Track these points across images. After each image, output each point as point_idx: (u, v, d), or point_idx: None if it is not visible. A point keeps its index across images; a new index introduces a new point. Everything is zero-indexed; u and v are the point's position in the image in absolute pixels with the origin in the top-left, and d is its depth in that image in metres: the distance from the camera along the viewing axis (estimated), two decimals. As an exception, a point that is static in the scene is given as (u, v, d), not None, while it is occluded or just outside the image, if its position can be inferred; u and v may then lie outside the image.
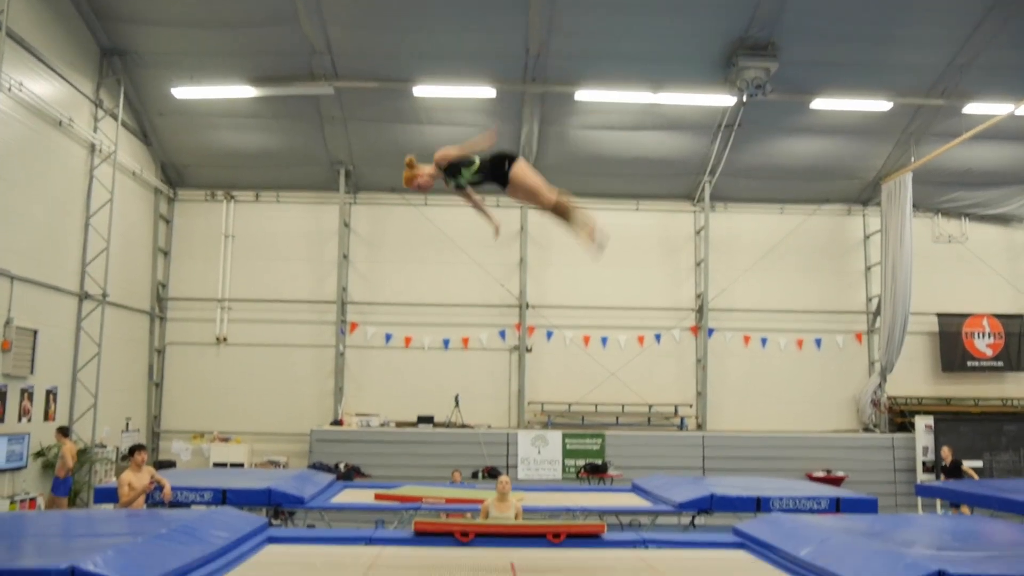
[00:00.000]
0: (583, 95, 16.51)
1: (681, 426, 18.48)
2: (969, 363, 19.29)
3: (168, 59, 15.94)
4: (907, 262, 17.63)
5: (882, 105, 16.81)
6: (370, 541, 7.19)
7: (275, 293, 18.76)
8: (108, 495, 9.87)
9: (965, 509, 12.77)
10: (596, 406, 18.42)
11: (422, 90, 16.26)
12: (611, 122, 17.47)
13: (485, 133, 6.48)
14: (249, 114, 17.27)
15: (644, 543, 7.29)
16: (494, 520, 8.55)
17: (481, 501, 9.35)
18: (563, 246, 19.16)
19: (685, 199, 19.56)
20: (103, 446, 15.50)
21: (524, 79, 16.32)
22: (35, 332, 13.53)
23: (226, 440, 18.00)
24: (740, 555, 7.05)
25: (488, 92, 16.34)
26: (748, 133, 17.49)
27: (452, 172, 6.40)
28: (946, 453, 15.45)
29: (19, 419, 13.21)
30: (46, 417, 14.01)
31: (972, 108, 16.62)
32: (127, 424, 17.15)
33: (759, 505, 9.86)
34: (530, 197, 6.37)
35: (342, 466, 16.13)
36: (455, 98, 16.77)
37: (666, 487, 11.04)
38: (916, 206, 18.14)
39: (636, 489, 12.13)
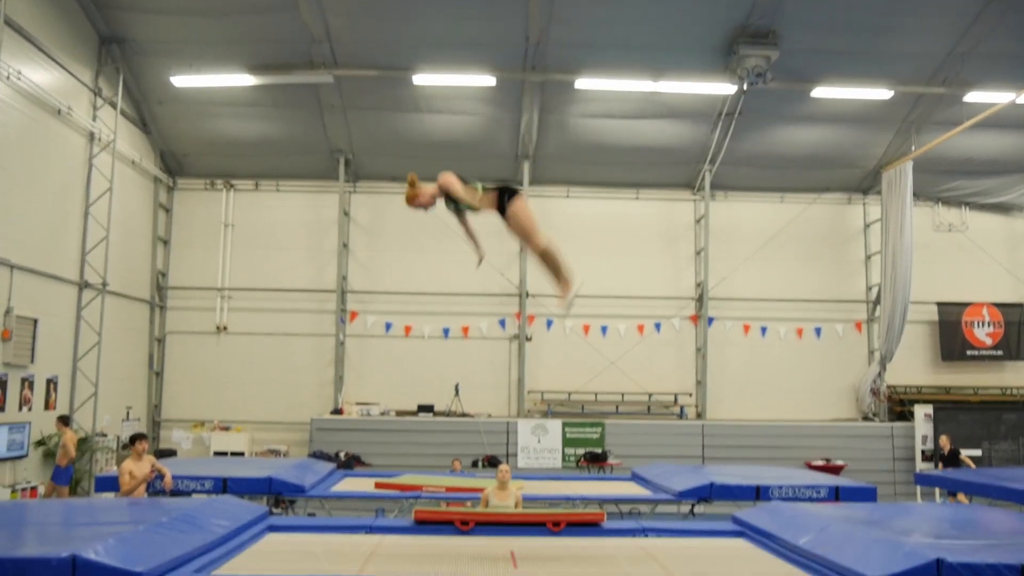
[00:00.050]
0: (583, 83, 16.46)
1: (681, 415, 18.51)
2: (969, 352, 19.31)
3: (167, 47, 15.89)
4: (907, 251, 17.62)
5: (883, 93, 16.76)
6: (370, 530, 7.21)
7: (275, 282, 18.76)
8: (109, 484, 9.89)
9: (962, 497, 12.82)
10: (596, 395, 18.45)
11: (422, 78, 16.22)
12: (611, 110, 17.43)
13: (478, 248, 6.53)
14: (248, 103, 17.23)
15: (644, 531, 7.31)
16: (494, 509, 8.57)
17: (481, 490, 9.37)
18: (564, 235, 19.16)
19: (685, 188, 19.53)
20: (104, 435, 15.54)
21: (524, 67, 16.28)
22: (35, 321, 13.54)
23: (226, 429, 18.04)
24: (739, 543, 7.07)
25: (488, 80, 16.30)
26: (748, 121, 17.45)
27: (453, 198, 6.42)
28: (944, 442, 15.48)
29: (20, 408, 13.24)
30: (47, 406, 14.03)
31: (973, 96, 16.58)
32: (127, 413, 17.18)
33: (758, 494, 9.87)
34: (523, 235, 6.43)
35: (342, 455, 16.16)
36: (455, 86, 16.73)
37: (666, 476, 11.05)
38: (916, 195, 18.12)
39: (636, 478, 12.15)
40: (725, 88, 16.46)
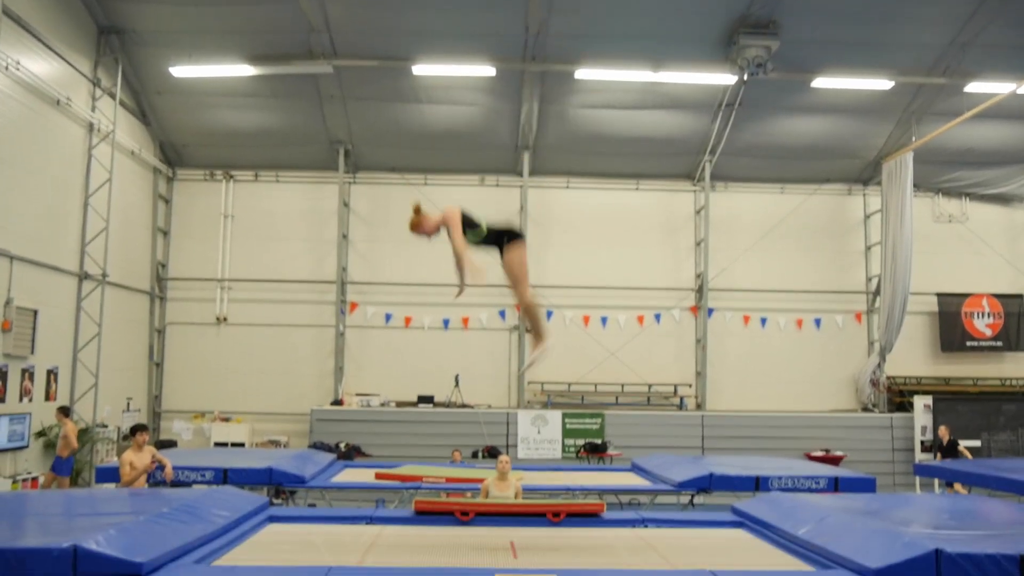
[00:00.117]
0: (583, 74, 16.43)
1: (680, 406, 18.54)
2: (968, 343, 19.32)
3: (166, 37, 15.85)
4: (907, 242, 17.61)
5: (883, 84, 16.73)
6: (371, 520, 7.22)
7: (275, 273, 18.76)
8: (110, 475, 9.90)
9: (959, 488, 12.84)
10: (596, 386, 18.47)
11: (421, 69, 16.19)
12: (611, 101, 17.40)
13: (463, 278, 6.48)
14: (248, 93, 17.20)
15: (643, 522, 7.32)
16: (494, 499, 8.59)
17: (481, 480, 9.39)
18: (563, 226, 19.19)
19: (685, 178, 19.51)
20: (104, 426, 15.56)
21: (524, 58, 16.24)
22: (35, 312, 13.54)
23: (227, 420, 18.06)
24: (739, 534, 7.08)
25: (488, 71, 16.27)
26: (749, 112, 17.42)
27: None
28: (943, 432, 15.51)
29: (20, 399, 13.25)
30: (47, 397, 14.05)
31: (974, 87, 16.55)
32: (128, 404, 17.20)
33: (758, 484, 9.88)
34: (513, 280, 6.46)
35: (342, 446, 16.19)
36: (454, 76, 16.70)
37: (665, 466, 11.07)
38: (917, 186, 18.11)
39: (635, 468, 12.17)
40: (725, 78, 16.42)
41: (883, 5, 15.28)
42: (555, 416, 17.59)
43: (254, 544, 6.29)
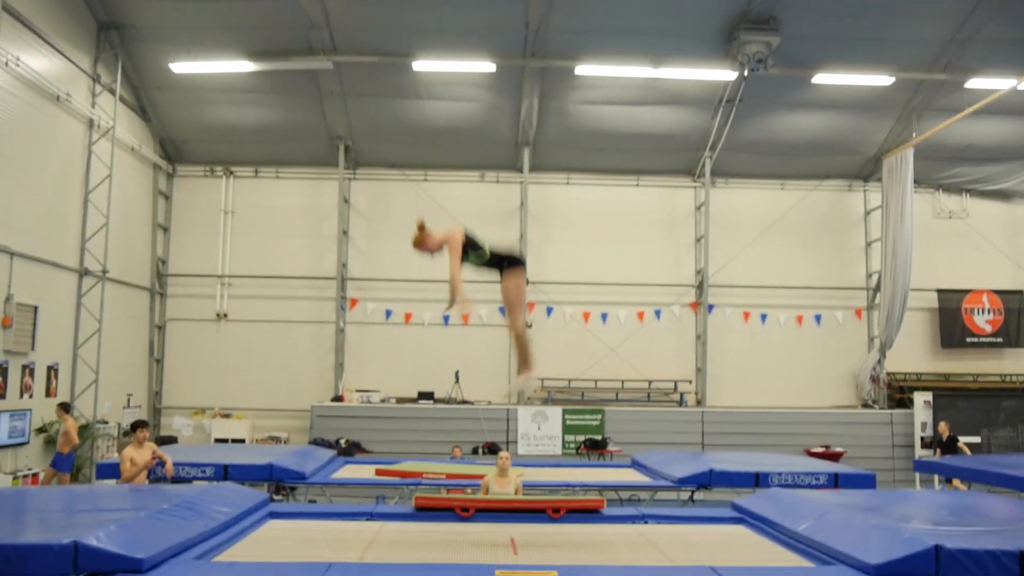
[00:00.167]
0: (583, 70, 16.40)
1: (680, 402, 18.54)
2: (968, 339, 19.32)
3: (166, 33, 15.83)
4: (907, 238, 17.60)
5: (884, 80, 16.70)
6: (371, 516, 7.23)
7: (275, 269, 18.76)
8: (110, 471, 9.92)
9: (958, 484, 12.85)
10: (596, 382, 18.47)
11: (421, 64, 16.16)
12: (611, 97, 17.38)
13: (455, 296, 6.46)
14: (247, 89, 17.18)
15: (643, 518, 7.33)
16: (494, 495, 8.60)
17: (481, 477, 9.40)
18: (563, 222, 19.19)
19: (685, 174, 19.50)
20: (105, 422, 15.57)
21: (524, 53, 16.22)
22: (35, 308, 13.54)
23: (227, 416, 18.08)
24: (739, 530, 7.09)
25: (488, 67, 16.24)
26: (749, 108, 17.40)
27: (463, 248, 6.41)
28: (943, 428, 15.51)
29: (20, 395, 13.26)
30: (47, 393, 14.05)
31: (974, 83, 16.52)
32: (128, 400, 17.21)
33: (758, 480, 9.90)
34: (509, 305, 6.50)
35: (343, 442, 16.18)
36: (454, 72, 16.67)
37: (665, 462, 11.08)
38: (917, 182, 18.08)
39: (635, 465, 12.18)
40: (726, 74, 16.40)
41: (883, 1, 15.27)
42: (555, 412, 17.60)
43: (254, 540, 6.30)
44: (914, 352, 19.33)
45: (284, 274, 18.74)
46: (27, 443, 13.26)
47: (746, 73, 15.95)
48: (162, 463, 9.46)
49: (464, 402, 17.62)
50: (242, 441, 17.41)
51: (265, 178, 19.14)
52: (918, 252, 17.90)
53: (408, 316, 18.63)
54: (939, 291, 19.28)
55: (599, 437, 17.17)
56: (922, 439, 17.49)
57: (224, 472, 9.76)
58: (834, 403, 18.97)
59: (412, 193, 18.90)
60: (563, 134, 18.25)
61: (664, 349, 19.09)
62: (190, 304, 18.75)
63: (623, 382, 18.53)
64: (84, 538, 4.70)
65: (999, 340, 19.33)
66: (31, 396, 13.53)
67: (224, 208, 18.96)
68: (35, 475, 13.16)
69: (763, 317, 19.10)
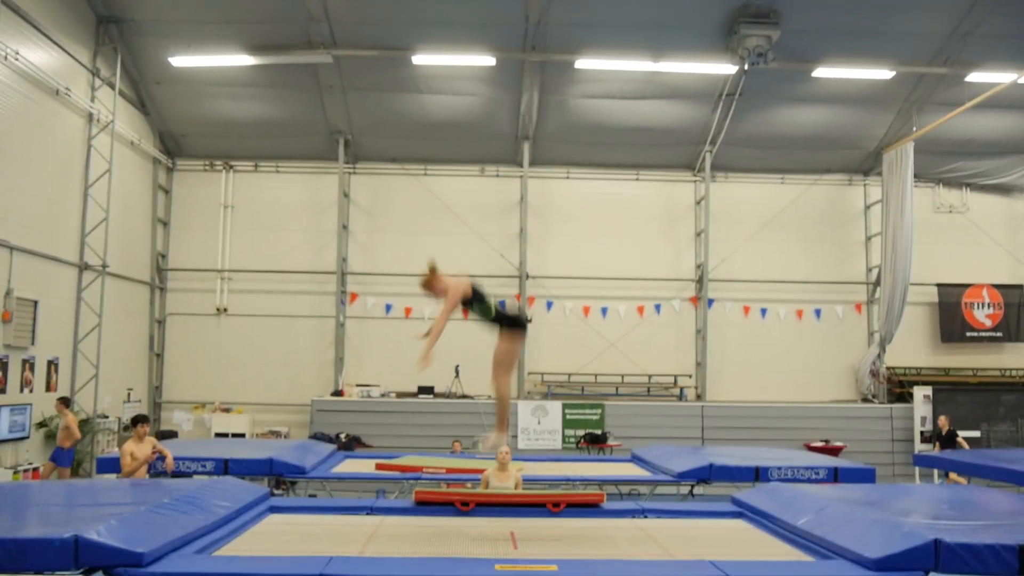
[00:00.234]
0: (583, 63, 16.39)
1: (680, 396, 18.55)
2: (968, 334, 19.31)
3: (165, 27, 15.80)
4: (907, 232, 17.60)
5: (884, 74, 16.69)
6: (371, 510, 7.24)
7: (275, 264, 18.75)
8: (110, 465, 9.92)
9: (957, 478, 12.86)
10: (596, 376, 18.48)
11: (421, 58, 16.15)
12: (611, 91, 17.35)
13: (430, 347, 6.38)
14: (247, 83, 17.16)
15: (643, 512, 7.34)
16: (494, 490, 8.61)
17: (481, 471, 9.40)
18: (563, 217, 19.18)
19: (686, 169, 19.49)
20: (105, 416, 15.59)
21: (524, 47, 16.20)
22: (35, 303, 13.55)
23: (227, 411, 18.09)
24: (738, 524, 7.10)
25: (488, 60, 16.23)
26: (749, 102, 17.39)
27: (466, 301, 6.39)
28: (943, 422, 15.52)
29: (21, 390, 13.27)
30: (48, 388, 14.06)
31: (975, 77, 16.50)
32: (128, 395, 17.22)
33: (757, 475, 9.90)
34: (498, 362, 6.45)
35: (343, 436, 16.21)
36: (454, 66, 16.65)
37: (665, 457, 11.09)
38: (917, 176, 18.08)
39: (635, 459, 12.19)
40: (726, 68, 16.38)
41: (884, -5, 15.26)
42: (555, 407, 17.61)
43: (255, 534, 6.31)
44: (914, 346, 19.34)
45: (284, 268, 18.74)
46: (27, 437, 13.27)
47: (746, 67, 15.92)
48: (162, 458, 9.46)
49: (464, 396, 17.63)
50: (242, 436, 17.42)
51: (265, 172, 19.12)
52: (918, 246, 17.90)
53: (408, 310, 18.62)
54: (939, 285, 19.27)
55: (599, 431, 17.18)
56: (922, 433, 17.51)
57: (224, 467, 9.77)
58: (834, 397, 18.99)
59: (412, 187, 18.91)
60: (563, 128, 18.23)
61: (664, 343, 19.10)
62: (190, 299, 18.74)
63: (623, 376, 18.53)
64: (85, 532, 4.70)
65: (999, 334, 19.33)
66: (31, 391, 13.54)
67: (224, 202, 18.95)
68: (35, 469, 13.18)
69: (763, 311, 19.11)
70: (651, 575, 5.15)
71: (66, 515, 5.52)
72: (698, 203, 19.37)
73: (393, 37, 15.97)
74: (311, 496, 11.40)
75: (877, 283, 18.99)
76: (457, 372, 17.76)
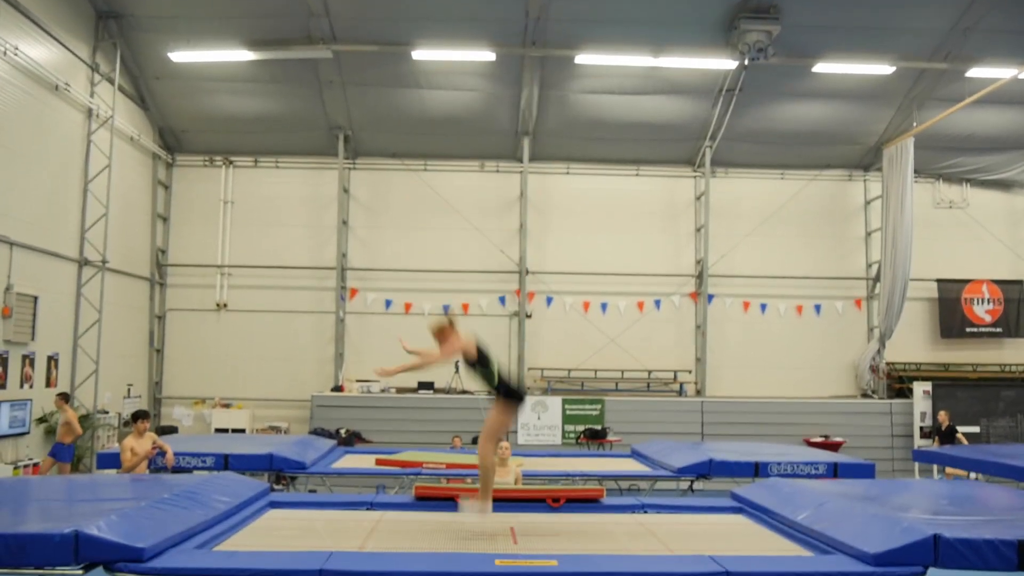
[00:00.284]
0: (583, 59, 16.37)
1: (680, 392, 18.56)
2: (968, 329, 19.33)
3: (164, 22, 15.78)
4: (907, 228, 17.60)
5: (884, 69, 16.67)
6: (371, 506, 7.25)
7: (275, 259, 18.75)
8: (111, 460, 9.93)
9: (953, 471, 12.86)
10: (596, 372, 18.49)
11: (421, 54, 16.12)
12: (611, 86, 17.34)
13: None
14: (247, 78, 17.14)
15: (643, 508, 7.35)
16: (494, 485, 8.60)
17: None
18: (563, 212, 19.18)
19: (686, 164, 19.47)
20: (105, 412, 15.59)
21: (524, 43, 16.17)
22: (35, 298, 13.55)
23: (227, 406, 18.10)
24: (738, 519, 7.10)
25: (487, 56, 16.21)
26: (749, 97, 17.37)
27: (470, 360, 6.36)
28: (943, 417, 15.52)
29: (21, 385, 13.27)
30: (48, 383, 14.07)
31: (975, 72, 16.47)
32: (129, 390, 17.22)
33: (757, 470, 9.91)
34: (488, 429, 6.37)
35: (343, 432, 16.22)
36: (454, 62, 16.64)
37: (665, 452, 11.09)
38: (917, 171, 18.08)
39: (635, 454, 12.19)
40: (726, 64, 16.36)
41: (885, -10, 15.23)
42: (555, 402, 17.62)
43: (255, 530, 6.31)
44: (914, 342, 19.35)
45: (284, 264, 18.74)
46: (28, 433, 13.28)
47: (746, 62, 15.90)
48: (163, 453, 9.47)
49: (464, 392, 17.64)
50: (242, 431, 17.43)
51: (265, 168, 19.11)
52: (918, 242, 17.90)
53: (408, 306, 18.64)
54: (939, 281, 19.28)
55: (599, 427, 17.19)
56: (921, 429, 17.53)
57: (224, 462, 9.77)
58: (833, 393, 19.00)
59: (412, 183, 18.90)
60: (563, 123, 18.22)
61: (664, 339, 19.10)
62: (190, 294, 18.75)
63: (623, 372, 18.55)
64: (85, 527, 4.70)
65: (998, 330, 19.35)
66: (31, 386, 13.55)
67: (224, 198, 18.94)
68: (35, 465, 13.19)
69: (763, 307, 19.11)
70: (651, 570, 5.14)
71: (66, 510, 5.52)
72: (698, 199, 19.36)
73: (393, 32, 15.95)
74: (311, 491, 11.42)
75: (877, 279, 19.00)
76: (457, 368, 17.74)
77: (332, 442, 12.60)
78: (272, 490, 7.95)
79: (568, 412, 17.55)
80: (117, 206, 15.89)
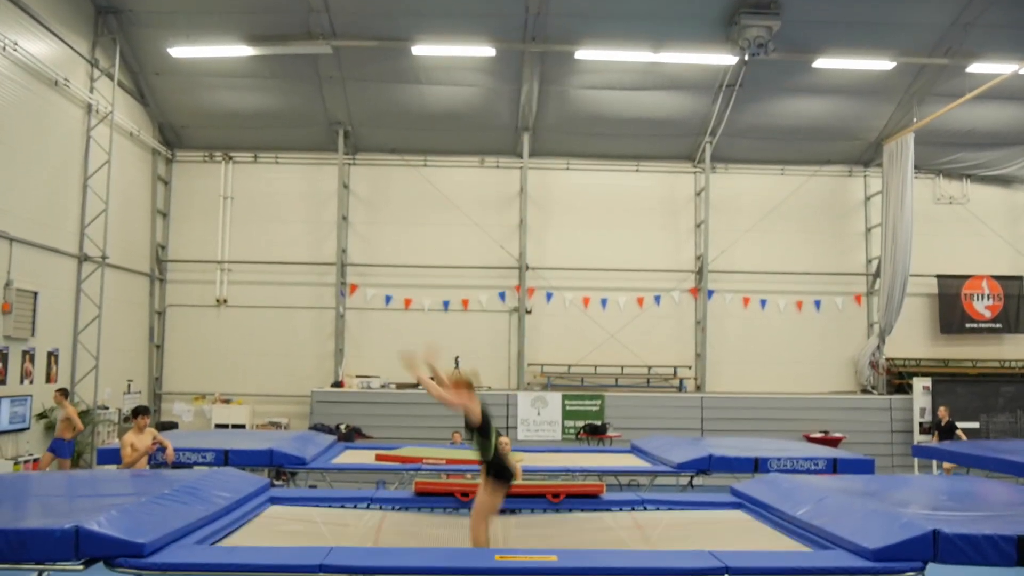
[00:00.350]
0: (583, 54, 16.33)
1: (680, 387, 18.57)
2: (968, 325, 19.32)
3: (164, 17, 15.75)
4: (907, 223, 17.59)
5: (885, 65, 16.64)
6: (371, 501, 7.26)
7: (275, 255, 18.74)
8: (111, 456, 9.94)
9: (956, 468, 12.88)
10: (595, 368, 18.50)
11: (421, 49, 16.09)
12: (611, 82, 17.31)
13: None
14: (246, 74, 17.11)
15: (643, 503, 7.36)
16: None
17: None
18: (563, 208, 19.16)
19: (686, 160, 19.46)
20: (105, 408, 15.60)
21: (524, 38, 16.15)
22: (35, 294, 13.54)
23: (227, 402, 18.11)
24: (738, 515, 7.12)
25: (487, 51, 16.18)
26: (749, 93, 17.35)
27: (473, 425, 6.31)
28: (943, 413, 15.51)
29: (21, 381, 13.28)
30: (48, 379, 14.07)
31: (975, 68, 16.45)
32: (129, 386, 17.23)
33: (757, 466, 9.93)
34: (475, 512, 6.32)
35: (343, 427, 16.22)
36: (454, 57, 16.60)
37: (665, 448, 11.11)
38: (917, 167, 18.06)
39: (635, 450, 12.21)
40: (726, 59, 16.33)
41: (885, -15, 15.21)
42: (555, 398, 17.63)
43: (255, 525, 6.32)
44: (913, 338, 19.35)
45: (284, 260, 18.73)
46: (28, 428, 13.29)
47: (746, 58, 15.88)
48: (163, 449, 9.48)
49: (464, 388, 17.60)
50: (242, 427, 17.45)
51: (264, 163, 19.10)
52: (918, 238, 17.89)
53: (408, 302, 18.64)
54: (939, 277, 19.27)
55: (599, 422, 17.21)
56: (921, 424, 17.53)
57: (225, 457, 9.79)
58: (833, 388, 19.00)
59: (412, 178, 18.88)
60: (563, 119, 18.20)
61: (664, 335, 19.10)
62: (190, 290, 18.75)
63: (623, 368, 18.55)
64: (86, 523, 4.71)
65: (998, 326, 19.34)
66: (31, 382, 13.55)
67: (223, 193, 18.92)
68: (35, 460, 13.19)
69: (763, 303, 19.11)
70: (650, 565, 5.16)
71: (67, 506, 5.53)
72: (698, 194, 19.35)
73: (393, 28, 15.92)
74: (311, 487, 11.43)
75: (877, 274, 18.99)
76: (457, 363, 17.71)
77: (332, 438, 12.63)
78: (272, 486, 7.97)
79: (568, 408, 17.56)
80: (117, 202, 15.88)
